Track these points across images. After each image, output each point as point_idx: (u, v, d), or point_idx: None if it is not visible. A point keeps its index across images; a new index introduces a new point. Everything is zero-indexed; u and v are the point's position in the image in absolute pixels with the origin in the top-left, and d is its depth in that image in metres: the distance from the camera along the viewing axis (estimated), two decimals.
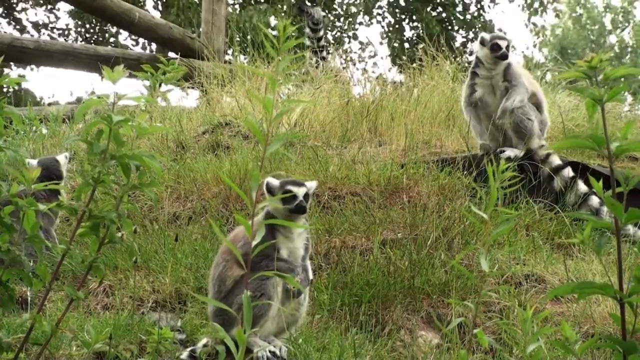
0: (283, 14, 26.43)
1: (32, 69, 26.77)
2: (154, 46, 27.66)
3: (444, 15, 29.40)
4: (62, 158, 7.78)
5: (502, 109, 9.08)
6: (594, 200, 8.77)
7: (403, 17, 30.00)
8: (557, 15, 31.47)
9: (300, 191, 5.83)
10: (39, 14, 29.06)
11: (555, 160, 9.02)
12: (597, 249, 3.75)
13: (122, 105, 4.49)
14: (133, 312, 6.44)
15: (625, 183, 3.63)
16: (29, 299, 6.64)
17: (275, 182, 5.88)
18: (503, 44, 9.17)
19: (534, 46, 33.34)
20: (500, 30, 29.10)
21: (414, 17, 29.67)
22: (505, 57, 9.14)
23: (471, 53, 28.58)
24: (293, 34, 4.51)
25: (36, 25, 28.55)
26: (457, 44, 28.35)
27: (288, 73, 11.02)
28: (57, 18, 29.05)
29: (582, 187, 8.84)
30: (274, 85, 4.30)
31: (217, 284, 5.78)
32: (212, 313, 5.78)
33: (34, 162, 7.62)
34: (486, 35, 9.40)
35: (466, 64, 14.77)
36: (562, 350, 5.14)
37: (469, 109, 9.36)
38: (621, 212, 3.54)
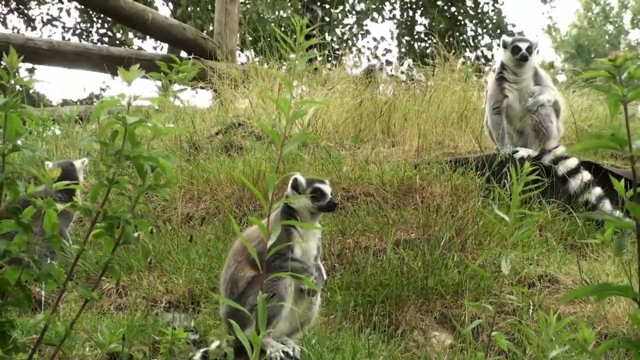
0: (291, 8, 26.47)
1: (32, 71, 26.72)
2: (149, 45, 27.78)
3: (452, 10, 29.38)
4: (78, 163, 7.81)
5: (534, 102, 9.07)
6: (607, 205, 8.71)
7: (414, 14, 29.99)
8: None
9: (328, 189, 5.90)
10: (48, 11, 29.18)
11: (572, 163, 8.97)
12: (617, 250, 3.73)
13: (136, 106, 4.48)
14: (146, 313, 6.46)
15: None
16: (43, 299, 6.65)
17: (303, 180, 5.92)
18: (523, 45, 9.21)
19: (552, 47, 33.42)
20: (513, 26, 29.11)
21: (424, 14, 29.66)
22: (525, 58, 9.18)
23: (491, 48, 28.57)
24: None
25: (48, 21, 28.68)
26: (467, 39, 28.38)
27: (303, 75, 11.02)
28: (69, 15, 29.14)
29: (597, 190, 8.79)
30: (289, 87, 4.30)
31: (229, 286, 5.77)
32: (225, 314, 5.77)
33: (52, 164, 7.68)
34: (507, 38, 9.45)
35: (478, 62, 14.77)
36: (576, 352, 5.12)
37: (495, 117, 9.30)
38: None
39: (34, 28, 28.61)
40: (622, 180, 3.86)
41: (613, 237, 3.94)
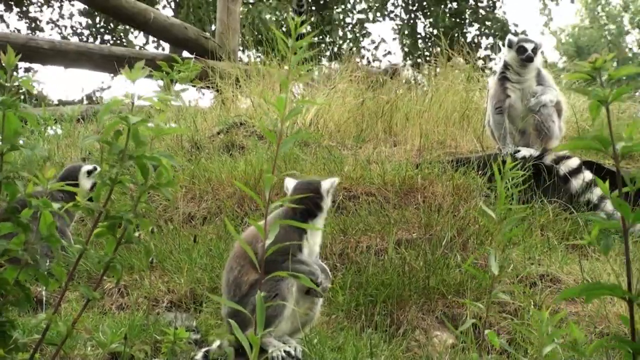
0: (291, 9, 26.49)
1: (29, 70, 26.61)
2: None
3: (456, 7, 29.35)
4: (86, 167, 7.82)
5: (537, 102, 9.08)
6: (608, 205, 8.71)
7: (417, 13, 29.95)
8: (572, 1, 31.48)
9: None
10: (48, 12, 29.19)
11: (574, 162, 8.97)
12: (604, 250, 3.74)
13: (139, 105, 4.48)
14: (148, 313, 6.45)
15: (632, 183, 3.62)
16: (44, 299, 6.65)
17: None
18: (529, 46, 9.22)
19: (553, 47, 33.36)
20: (516, 26, 29.06)
21: (427, 13, 29.62)
22: (530, 59, 9.19)
23: (492, 48, 28.52)
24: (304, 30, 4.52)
25: (49, 22, 28.70)
26: (470, 39, 28.36)
27: (301, 74, 11.02)
28: (71, 15, 29.13)
29: (598, 190, 8.79)
30: (285, 86, 4.31)
31: (232, 289, 5.75)
32: (227, 315, 5.76)
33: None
34: (513, 38, 9.44)
35: (480, 61, 14.77)
36: (569, 352, 5.13)
37: (497, 117, 9.30)
38: (628, 212, 3.52)
39: (35, 29, 28.57)
40: (607, 181, 3.88)
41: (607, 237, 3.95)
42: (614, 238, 3.85)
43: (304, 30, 4.50)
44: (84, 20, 29.29)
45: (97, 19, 29.06)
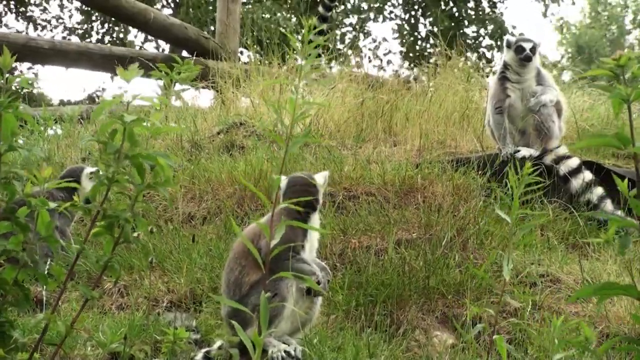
0: (290, 10, 26.44)
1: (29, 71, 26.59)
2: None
3: (454, 10, 29.34)
4: (88, 169, 7.84)
5: (537, 102, 9.08)
6: (608, 205, 8.71)
7: (416, 13, 29.93)
8: (573, 3, 31.40)
9: None
10: (50, 11, 29.12)
11: (574, 162, 8.97)
12: (620, 249, 3.72)
13: (138, 105, 4.49)
14: (148, 312, 6.45)
15: None
16: (44, 299, 6.64)
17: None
18: (527, 46, 9.22)
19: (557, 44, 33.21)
20: (514, 27, 29.03)
21: (427, 13, 29.61)
22: (529, 59, 9.19)
23: (493, 49, 28.49)
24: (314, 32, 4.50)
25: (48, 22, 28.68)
26: (469, 40, 28.35)
27: (310, 77, 11.02)
28: (71, 15, 29.12)
29: (598, 190, 8.79)
30: (297, 90, 4.31)
31: (232, 289, 5.74)
32: (227, 315, 5.75)
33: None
34: (511, 38, 9.46)
35: (480, 62, 14.77)
36: (577, 351, 5.11)
37: (497, 117, 9.30)
38: None
39: (36, 29, 28.58)
40: (626, 180, 3.87)
41: (615, 236, 3.93)
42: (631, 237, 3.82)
43: (324, 27, 4.49)
44: (79, 18, 29.31)
45: (94, 18, 29.05)
